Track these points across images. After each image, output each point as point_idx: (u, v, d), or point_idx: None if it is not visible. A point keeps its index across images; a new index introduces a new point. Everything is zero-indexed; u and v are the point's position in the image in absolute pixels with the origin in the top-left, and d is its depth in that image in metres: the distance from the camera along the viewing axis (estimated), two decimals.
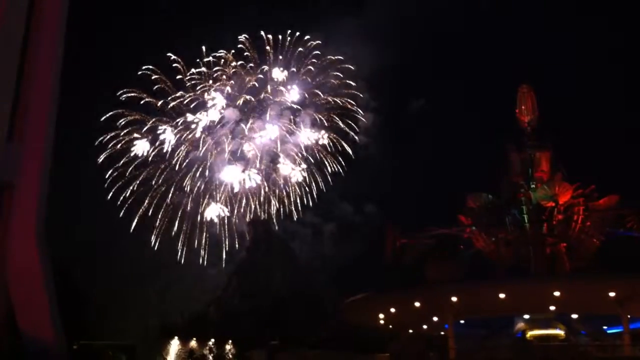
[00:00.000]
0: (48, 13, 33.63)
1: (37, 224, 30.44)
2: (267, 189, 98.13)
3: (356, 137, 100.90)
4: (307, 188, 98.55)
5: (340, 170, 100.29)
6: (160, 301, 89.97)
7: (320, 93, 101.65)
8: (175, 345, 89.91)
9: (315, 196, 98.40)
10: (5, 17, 32.38)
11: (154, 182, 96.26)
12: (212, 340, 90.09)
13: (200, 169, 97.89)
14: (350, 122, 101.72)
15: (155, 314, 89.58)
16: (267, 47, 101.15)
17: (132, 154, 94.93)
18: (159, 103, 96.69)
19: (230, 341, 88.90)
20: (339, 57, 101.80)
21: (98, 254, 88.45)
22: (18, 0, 32.77)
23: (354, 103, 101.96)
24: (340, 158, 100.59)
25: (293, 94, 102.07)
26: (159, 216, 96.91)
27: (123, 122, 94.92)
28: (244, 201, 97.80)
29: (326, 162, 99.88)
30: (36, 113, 32.38)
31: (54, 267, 30.25)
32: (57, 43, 33.79)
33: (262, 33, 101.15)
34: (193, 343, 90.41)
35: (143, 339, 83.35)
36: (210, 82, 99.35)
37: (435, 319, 67.22)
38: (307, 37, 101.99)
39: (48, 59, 33.45)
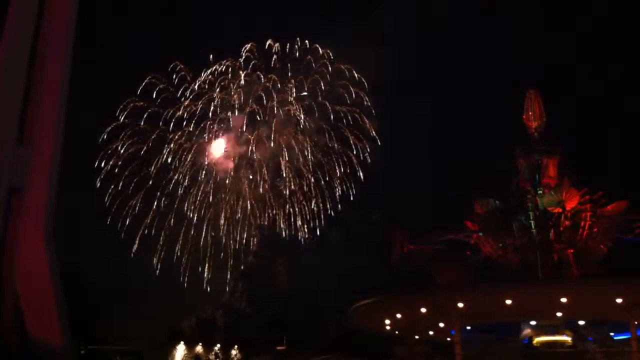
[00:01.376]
0: (57, 18, 33.85)
1: (46, 228, 30.60)
2: (271, 199, 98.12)
3: (367, 154, 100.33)
4: (313, 201, 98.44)
5: (349, 189, 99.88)
6: (167, 306, 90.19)
7: (327, 103, 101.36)
8: (181, 350, 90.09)
9: (321, 210, 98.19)
10: (15, 22, 32.66)
11: (159, 191, 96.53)
12: (218, 345, 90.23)
13: (206, 178, 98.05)
14: (358, 133, 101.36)
15: (162, 318, 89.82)
16: (275, 56, 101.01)
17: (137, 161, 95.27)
18: (164, 113, 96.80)
19: (236, 346, 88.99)
20: (347, 66, 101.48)
21: (105, 257, 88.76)
22: (27, 6, 33.04)
23: (359, 111, 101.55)
24: (348, 172, 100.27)
25: (301, 103, 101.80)
26: (165, 223, 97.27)
27: (129, 132, 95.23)
28: (249, 208, 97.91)
29: (334, 178, 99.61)
30: (45, 117, 32.57)
31: (61, 270, 30.40)
32: (66, 47, 34.00)
33: (270, 42, 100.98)
34: (199, 348, 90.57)
35: (150, 344, 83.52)
36: (217, 90, 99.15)
37: (441, 324, 67.08)
38: (315, 45, 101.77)
39: (57, 63, 33.64)
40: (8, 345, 28.29)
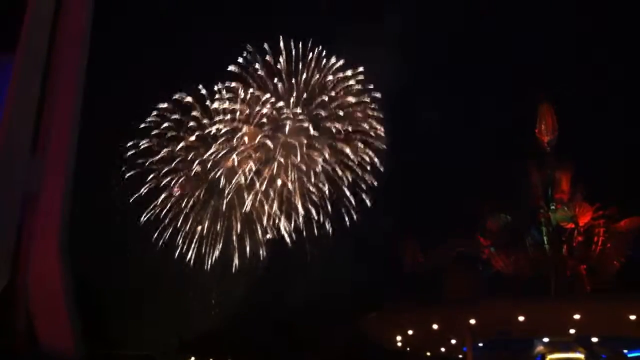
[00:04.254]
0: (72, 32, 34.33)
1: (59, 235, 30.89)
2: (277, 209, 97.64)
3: (377, 163, 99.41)
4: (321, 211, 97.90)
5: (358, 199, 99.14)
6: (178, 315, 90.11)
7: (337, 113, 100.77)
8: None
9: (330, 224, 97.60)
10: (30, 33, 33.11)
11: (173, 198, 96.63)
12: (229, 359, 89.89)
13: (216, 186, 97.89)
14: (368, 148, 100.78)
15: (173, 330, 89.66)
16: (279, 65, 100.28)
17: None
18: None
19: None
20: (359, 76, 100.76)
21: (118, 263, 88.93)
22: (42, 16, 33.52)
23: (374, 126, 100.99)
24: (358, 182, 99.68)
25: (307, 116, 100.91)
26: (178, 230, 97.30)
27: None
28: (257, 219, 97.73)
29: (345, 194, 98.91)
30: (59, 127, 32.95)
31: (73, 276, 30.60)
32: (80, 57, 34.46)
33: (281, 44, 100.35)
34: None
35: (161, 351, 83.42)
36: (227, 108, 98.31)
37: (453, 341, 66.65)
38: (323, 52, 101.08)
39: (71, 74, 34.09)
40: (20, 350, 28.43)
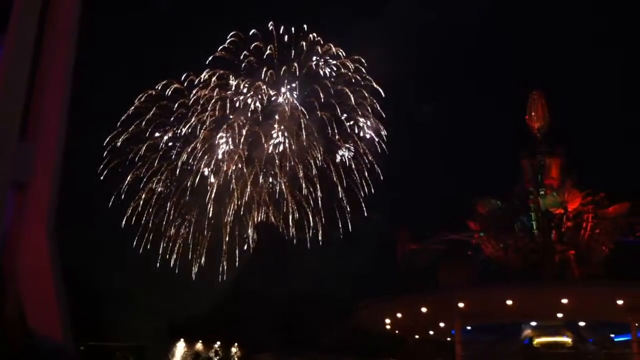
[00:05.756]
0: (61, 17, 33.93)
1: (48, 223, 30.71)
2: (265, 198, 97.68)
3: (375, 166, 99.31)
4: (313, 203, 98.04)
5: (354, 192, 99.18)
6: (168, 302, 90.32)
7: (335, 104, 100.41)
8: (181, 347, 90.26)
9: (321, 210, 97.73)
10: (19, 20, 32.69)
11: (163, 188, 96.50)
12: (218, 342, 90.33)
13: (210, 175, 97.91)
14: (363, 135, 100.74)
15: (163, 315, 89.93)
16: (269, 51, 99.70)
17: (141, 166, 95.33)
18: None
19: (236, 344, 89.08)
20: (357, 62, 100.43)
21: (107, 254, 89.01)
22: (31, 3, 33.07)
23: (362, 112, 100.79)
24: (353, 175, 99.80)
25: (300, 102, 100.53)
26: (166, 219, 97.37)
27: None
28: (253, 206, 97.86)
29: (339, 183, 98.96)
30: (48, 114, 32.66)
31: (63, 266, 30.48)
32: (69, 45, 34.08)
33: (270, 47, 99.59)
34: (199, 345, 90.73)
35: (151, 340, 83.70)
36: (215, 95, 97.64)
37: (442, 324, 67.06)
38: (317, 37, 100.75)
39: (60, 60, 33.73)
40: (11, 340, 28.34)
